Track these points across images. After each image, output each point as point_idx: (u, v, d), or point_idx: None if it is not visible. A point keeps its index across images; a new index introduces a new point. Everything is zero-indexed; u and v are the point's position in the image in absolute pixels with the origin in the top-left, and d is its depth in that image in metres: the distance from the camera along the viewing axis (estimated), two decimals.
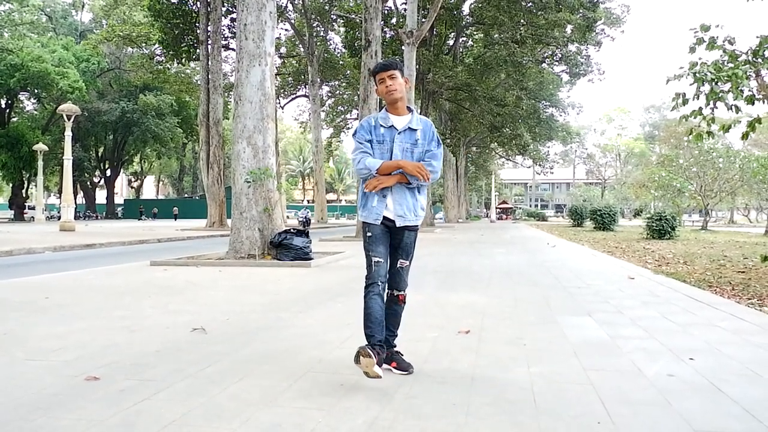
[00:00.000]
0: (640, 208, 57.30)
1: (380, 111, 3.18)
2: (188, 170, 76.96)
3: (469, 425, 2.35)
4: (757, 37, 7.15)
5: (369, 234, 3.06)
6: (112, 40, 36.33)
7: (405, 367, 3.08)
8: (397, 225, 3.04)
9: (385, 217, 3.05)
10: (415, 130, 3.08)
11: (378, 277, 3.00)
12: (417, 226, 3.12)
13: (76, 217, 37.25)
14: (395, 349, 3.16)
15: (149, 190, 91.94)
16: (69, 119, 23.08)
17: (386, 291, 3.07)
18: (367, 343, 2.89)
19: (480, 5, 28.03)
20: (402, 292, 3.14)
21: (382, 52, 20.66)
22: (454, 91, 33.33)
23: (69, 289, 6.40)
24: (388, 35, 27.69)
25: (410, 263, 3.16)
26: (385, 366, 3.00)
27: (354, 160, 3.09)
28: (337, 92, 44.31)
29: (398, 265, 3.10)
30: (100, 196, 64.38)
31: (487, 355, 3.48)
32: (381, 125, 3.08)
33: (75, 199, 38.47)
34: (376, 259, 3.02)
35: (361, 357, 2.75)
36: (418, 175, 2.96)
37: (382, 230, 3.06)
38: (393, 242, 3.10)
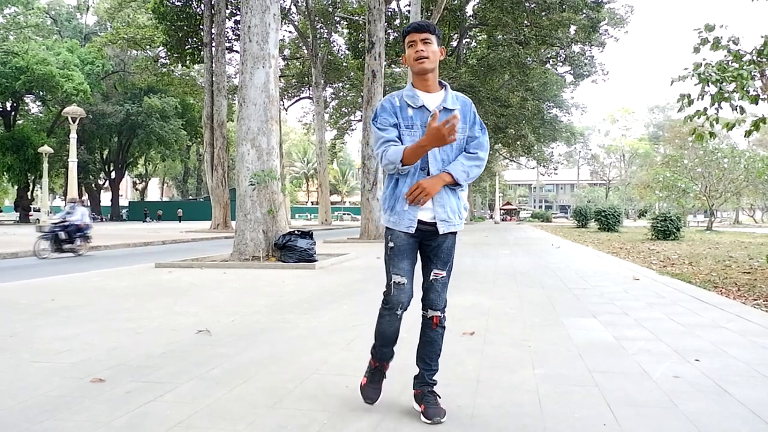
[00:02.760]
0: (644, 209, 57.24)
1: (405, 87, 2.53)
2: (192, 172, 77.14)
3: (475, 427, 2.35)
4: (762, 36, 7.13)
5: (391, 245, 2.45)
6: (116, 42, 36.47)
7: (431, 416, 2.39)
8: (441, 232, 2.44)
9: (421, 221, 2.43)
10: (452, 110, 2.41)
11: (398, 303, 2.43)
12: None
13: None
14: (431, 389, 2.50)
15: (153, 192, 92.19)
16: (74, 122, 23.18)
17: (423, 312, 2.54)
18: (371, 355, 2.59)
19: (483, 6, 28.04)
20: (438, 313, 2.49)
21: (386, 53, 20.68)
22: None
23: (75, 291, 6.42)
24: (391, 37, 27.72)
25: (449, 275, 2.52)
26: (415, 407, 2.52)
27: (377, 154, 2.43)
28: (341, 94, 44.36)
29: (431, 277, 2.49)
30: (105, 199, 64.59)
31: (492, 356, 3.47)
32: (409, 105, 2.43)
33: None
34: (398, 279, 2.43)
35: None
36: (446, 139, 2.21)
37: (409, 240, 2.45)
38: (426, 250, 2.50)
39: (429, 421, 2.38)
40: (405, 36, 2.45)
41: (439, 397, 2.49)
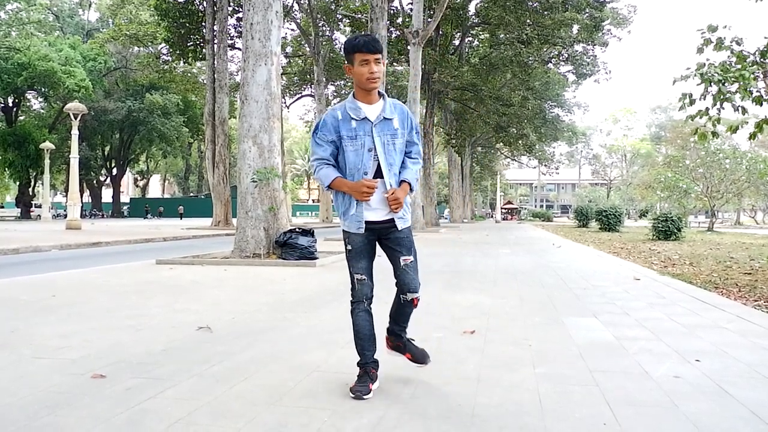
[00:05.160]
0: (645, 209, 57.22)
1: (347, 99, 2.76)
2: (194, 169, 77.19)
3: (475, 426, 2.35)
4: (765, 37, 7.12)
5: (349, 248, 2.76)
6: (118, 39, 36.52)
7: (420, 359, 2.90)
8: (399, 228, 2.72)
9: (375, 222, 2.71)
10: (391, 119, 2.69)
11: (362, 295, 2.77)
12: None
13: (82, 216, 37.44)
14: (408, 337, 2.94)
15: (155, 188, 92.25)
16: (76, 118, 23.19)
17: (398, 295, 2.82)
18: (359, 360, 2.77)
19: (486, 5, 28.00)
20: (416, 294, 2.78)
21: (388, 51, 20.66)
22: (459, 91, 33.27)
23: (75, 288, 6.43)
24: (393, 35, 27.72)
25: (416, 259, 2.80)
26: (406, 361, 2.93)
27: (311, 166, 2.78)
28: (343, 92, 44.28)
29: (402, 264, 2.75)
30: (106, 195, 64.66)
31: (493, 355, 3.47)
32: (352, 118, 2.66)
33: (81, 197, 38.65)
34: (359, 276, 2.76)
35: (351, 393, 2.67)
36: (360, 197, 2.64)
37: (364, 240, 2.74)
38: (386, 243, 2.78)
39: (421, 365, 2.90)
40: (355, 51, 2.60)
41: (414, 340, 2.97)
